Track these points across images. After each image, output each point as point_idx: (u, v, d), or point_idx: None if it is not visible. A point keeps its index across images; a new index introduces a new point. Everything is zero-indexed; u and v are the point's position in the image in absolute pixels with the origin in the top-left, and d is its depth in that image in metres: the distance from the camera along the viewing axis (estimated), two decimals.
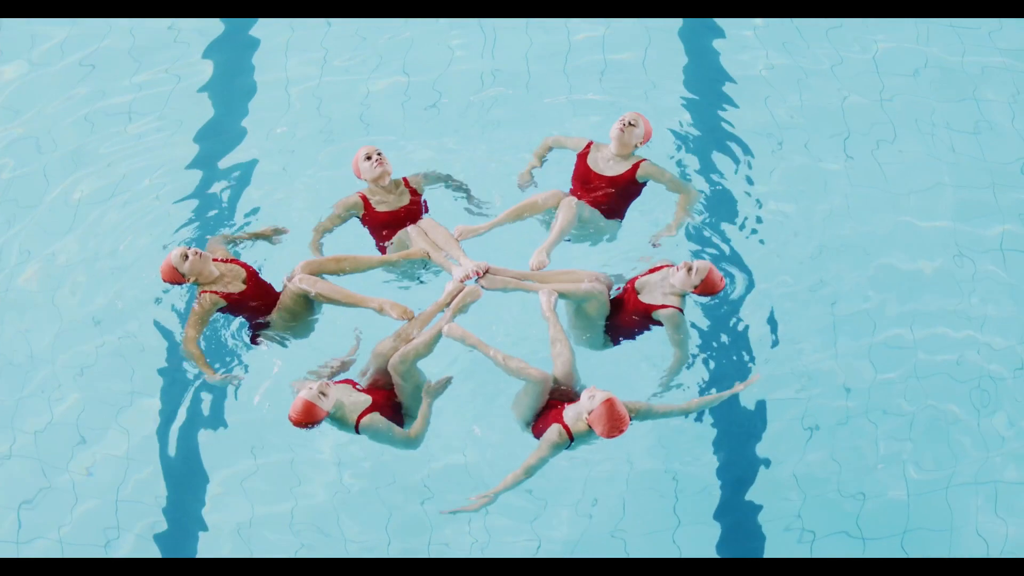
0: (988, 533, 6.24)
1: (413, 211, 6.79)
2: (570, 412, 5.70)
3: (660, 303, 6.18)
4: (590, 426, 5.55)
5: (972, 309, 7.00)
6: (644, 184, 6.85)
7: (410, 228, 6.62)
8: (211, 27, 8.81)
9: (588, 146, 6.91)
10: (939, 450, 6.46)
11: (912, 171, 7.68)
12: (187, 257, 6.16)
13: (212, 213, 7.48)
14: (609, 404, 5.46)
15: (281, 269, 6.66)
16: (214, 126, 8.23)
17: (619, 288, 6.48)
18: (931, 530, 6.23)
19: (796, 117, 8.00)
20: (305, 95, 8.33)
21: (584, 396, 5.56)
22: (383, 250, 6.78)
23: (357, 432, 5.82)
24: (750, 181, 7.58)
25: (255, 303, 6.40)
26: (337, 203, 6.82)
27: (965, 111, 8.04)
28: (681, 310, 6.18)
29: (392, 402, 6.04)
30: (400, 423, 5.99)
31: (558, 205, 6.61)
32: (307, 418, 5.62)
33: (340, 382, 6.03)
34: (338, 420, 5.81)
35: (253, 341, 6.53)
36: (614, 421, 5.47)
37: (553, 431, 5.66)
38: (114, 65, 8.58)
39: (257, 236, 6.90)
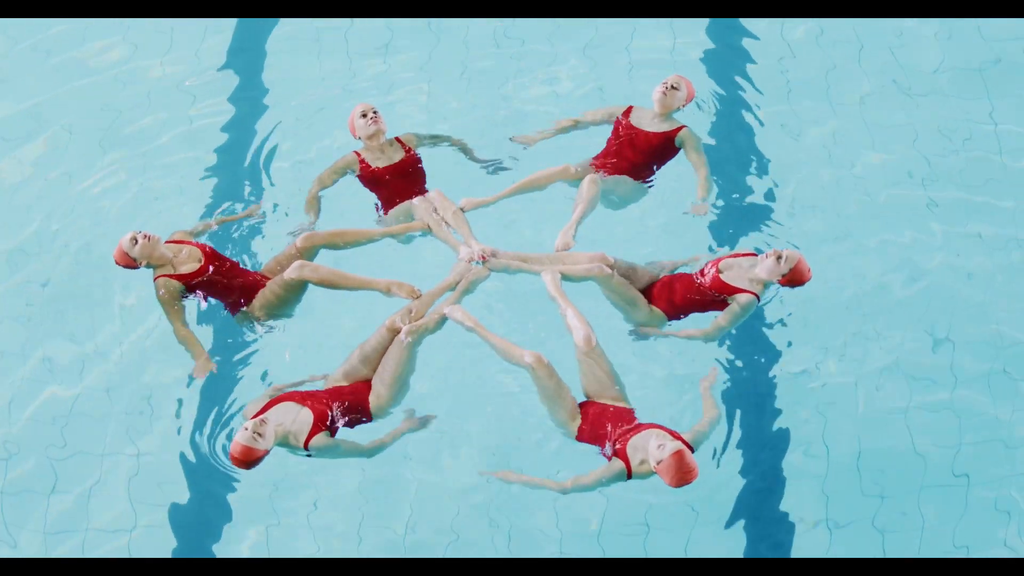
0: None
1: (407, 166, 6.86)
2: (635, 451, 5.64)
3: (743, 287, 6.23)
4: (656, 472, 5.55)
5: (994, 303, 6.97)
6: (679, 149, 6.94)
7: (417, 200, 6.68)
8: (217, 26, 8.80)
9: (629, 109, 7.05)
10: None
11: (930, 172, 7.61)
12: (136, 241, 6.26)
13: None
14: (679, 456, 5.44)
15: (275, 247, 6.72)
16: (218, 121, 8.15)
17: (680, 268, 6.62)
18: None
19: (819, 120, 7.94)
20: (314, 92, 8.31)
21: (653, 445, 5.54)
22: (384, 208, 6.85)
23: (308, 454, 5.82)
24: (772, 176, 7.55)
25: (216, 282, 6.37)
26: (334, 162, 6.93)
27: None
28: (760, 299, 6.25)
29: (351, 400, 5.97)
30: (365, 412, 5.97)
31: (567, 180, 6.75)
32: (246, 459, 5.63)
33: (282, 398, 5.91)
34: (287, 446, 5.81)
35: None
36: (683, 473, 5.46)
37: (615, 468, 5.67)
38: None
39: (235, 219, 7.00)
